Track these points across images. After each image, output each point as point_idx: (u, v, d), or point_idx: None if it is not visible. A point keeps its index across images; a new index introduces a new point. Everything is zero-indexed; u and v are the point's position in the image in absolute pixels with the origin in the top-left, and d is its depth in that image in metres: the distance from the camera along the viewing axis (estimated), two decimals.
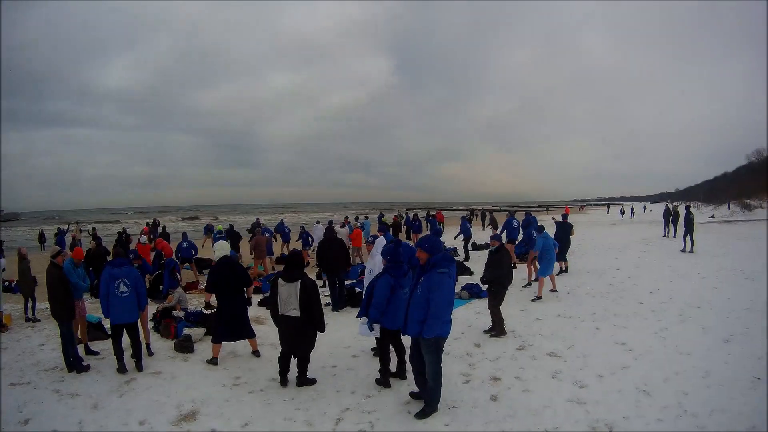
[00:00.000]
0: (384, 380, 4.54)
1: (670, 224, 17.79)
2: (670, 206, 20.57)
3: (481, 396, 4.28)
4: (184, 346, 5.84)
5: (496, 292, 6.05)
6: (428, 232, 15.12)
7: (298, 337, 4.48)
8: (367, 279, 5.18)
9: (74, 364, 5.33)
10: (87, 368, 5.36)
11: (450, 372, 4.76)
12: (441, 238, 9.67)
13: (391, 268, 4.41)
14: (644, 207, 51.50)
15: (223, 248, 5.43)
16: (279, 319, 4.52)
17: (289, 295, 4.40)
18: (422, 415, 3.93)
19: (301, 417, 4.05)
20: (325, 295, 8.31)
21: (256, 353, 5.58)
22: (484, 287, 7.36)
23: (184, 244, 11.76)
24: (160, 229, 17.16)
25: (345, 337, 6.22)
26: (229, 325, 5.28)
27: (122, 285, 5.17)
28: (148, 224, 20.29)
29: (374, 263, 5.23)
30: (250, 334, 5.48)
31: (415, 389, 4.26)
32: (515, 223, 11.71)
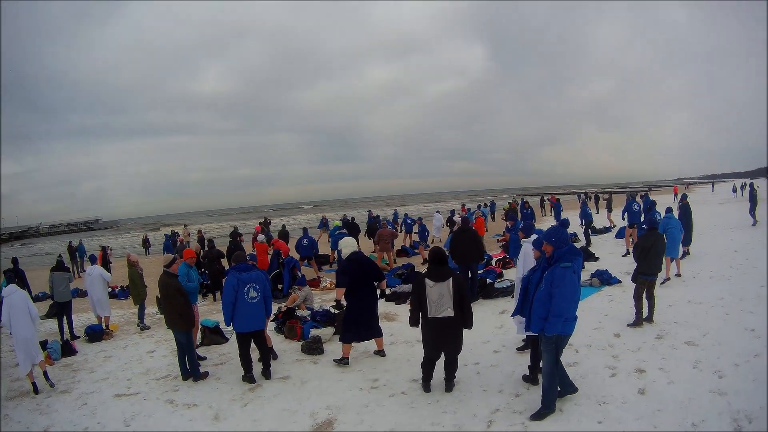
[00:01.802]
0: (533, 377, 4.36)
1: None
2: None
3: (629, 390, 4.11)
4: (313, 347, 5.61)
5: (635, 279, 5.85)
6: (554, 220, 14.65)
7: (451, 338, 4.21)
8: (518, 272, 4.93)
9: (191, 372, 5.12)
10: (205, 375, 5.16)
11: (596, 365, 4.62)
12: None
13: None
14: (745, 184, 47.61)
15: (350, 245, 5.32)
16: (429, 323, 4.18)
17: (440, 296, 4.10)
18: (538, 416, 3.78)
19: (449, 421, 3.89)
20: None
21: (380, 353, 5.43)
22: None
23: (305, 242, 11.50)
24: (271, 228, 17.02)
25: (483, 331, 5.92)
26: (359, 324, 5.13)
27: (252, 290, 4.92)
28: (260, 223, 20.30)
29: (524, 256, 4.93)
30: (378, 333, 5.34)
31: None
32: (636, 206, 11.19)
